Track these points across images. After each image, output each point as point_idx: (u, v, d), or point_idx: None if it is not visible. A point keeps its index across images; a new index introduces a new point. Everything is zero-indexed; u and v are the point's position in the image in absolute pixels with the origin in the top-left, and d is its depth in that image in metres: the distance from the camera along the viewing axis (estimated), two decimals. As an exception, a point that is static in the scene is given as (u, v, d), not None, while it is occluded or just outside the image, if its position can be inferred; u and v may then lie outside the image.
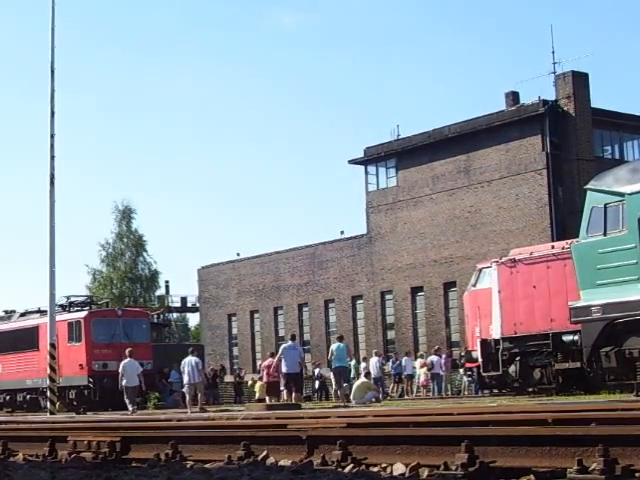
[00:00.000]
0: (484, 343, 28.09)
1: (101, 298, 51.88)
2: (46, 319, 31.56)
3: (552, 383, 26.44)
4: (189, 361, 29.35)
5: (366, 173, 54.95)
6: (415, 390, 39.10)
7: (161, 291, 76.06)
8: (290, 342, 30.10)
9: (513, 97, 50.41)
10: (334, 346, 31.12)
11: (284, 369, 29.22)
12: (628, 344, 20.75)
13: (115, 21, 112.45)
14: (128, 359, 30.35)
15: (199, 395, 29.44)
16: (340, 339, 31.81)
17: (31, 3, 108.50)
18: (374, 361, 37.10)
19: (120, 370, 30.44)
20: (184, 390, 30.59)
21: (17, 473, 9.25)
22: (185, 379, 29.55)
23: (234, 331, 62.69)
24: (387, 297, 53.54)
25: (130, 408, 29.63)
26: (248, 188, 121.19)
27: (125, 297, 71.87)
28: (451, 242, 50.11)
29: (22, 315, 41.57)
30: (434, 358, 38.14)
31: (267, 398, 31.58)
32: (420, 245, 51.50)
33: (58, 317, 32.71)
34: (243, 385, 45.24)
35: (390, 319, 53.49)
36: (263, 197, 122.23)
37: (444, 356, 38.87)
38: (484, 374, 28.61)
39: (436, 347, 41.10)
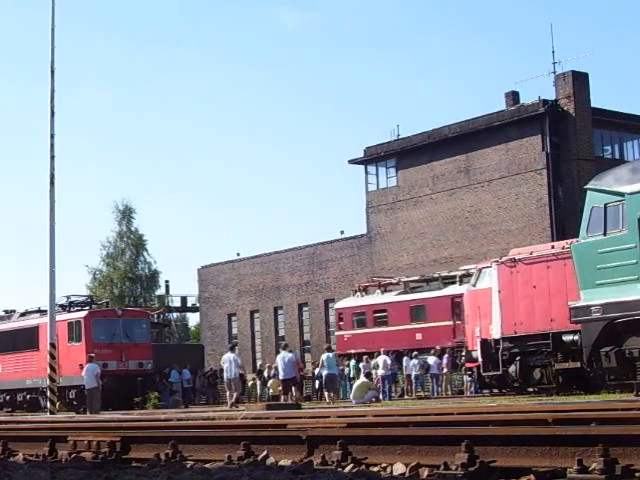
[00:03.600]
0: (484, 343, 28.08)
1: (101, 298, 51.85)
2: (46, 319, 31.58)
3: (552, 383, 26.43)
4: (227, 357, 31.62)
5: (366, 173, 54.95)
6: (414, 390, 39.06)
7: (161, 291, 75.98)
8: (283, 351, 32.90)
9: (513, 97, 50.42)
10: (324, 356, 33.51)
11: (281, 376, 32.22)
12: (628, 344, 20.76)
13: (115, 20, 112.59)
14: (88, 364, 31.59)
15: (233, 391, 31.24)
16: (329, 349, 34.30)
17: (31, 3, 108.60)
18: (382, 359, 37.10)
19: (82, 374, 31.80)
20: (225, 386, 33.16)
21: (17, 473, 9.24)
22: (225, 375, 31.95)
23: (234, 331, 62.67)
24: (387, 297, 53.46)
25: (88, 410, 30.58)
26: (248, 188, 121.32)
27: (125, 297, 71.77)
28: (451, 242, 50.10)
29: (22, 315, 41.53)
30: (431, 359, 38.14)
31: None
32: (420, 245, 51.48)
33: (58, 317, 32.70)
34: (245, 385, 45.17)
35: (390, 319, 53.39)
36: (263, 197, 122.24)
37: (445, 356, 38.81)
38: (484, 374, 28.59)
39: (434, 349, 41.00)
